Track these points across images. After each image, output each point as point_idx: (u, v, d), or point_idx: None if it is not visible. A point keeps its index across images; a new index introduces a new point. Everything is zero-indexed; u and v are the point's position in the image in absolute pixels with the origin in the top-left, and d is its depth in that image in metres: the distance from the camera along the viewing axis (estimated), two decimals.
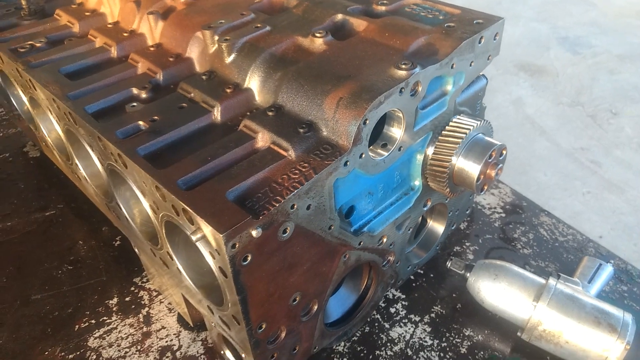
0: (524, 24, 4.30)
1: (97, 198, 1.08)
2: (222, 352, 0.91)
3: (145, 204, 0.79)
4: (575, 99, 3.42)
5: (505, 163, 0.94)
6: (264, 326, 0.74)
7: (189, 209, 0.64)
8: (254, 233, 0.63)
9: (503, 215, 1.28)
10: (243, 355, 0.82)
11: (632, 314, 0.91)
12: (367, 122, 0.72)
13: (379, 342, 0.99)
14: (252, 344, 0.75)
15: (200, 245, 0.67)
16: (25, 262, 1.13)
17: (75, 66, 1.02)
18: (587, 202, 2.62)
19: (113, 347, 0.95)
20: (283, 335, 0.80)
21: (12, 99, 1.29)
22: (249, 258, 0.65)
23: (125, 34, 1.09)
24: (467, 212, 1.20)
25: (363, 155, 0.75)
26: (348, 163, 0.73)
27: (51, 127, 1.14)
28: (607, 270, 1.04)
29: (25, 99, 1.15)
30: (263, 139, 0.76)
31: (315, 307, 0.84)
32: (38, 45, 1.12)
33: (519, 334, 0.96)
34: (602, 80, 3.59)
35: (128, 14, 1.12)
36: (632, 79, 3.57)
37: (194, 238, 0.64)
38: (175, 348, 0.95)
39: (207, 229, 0.62)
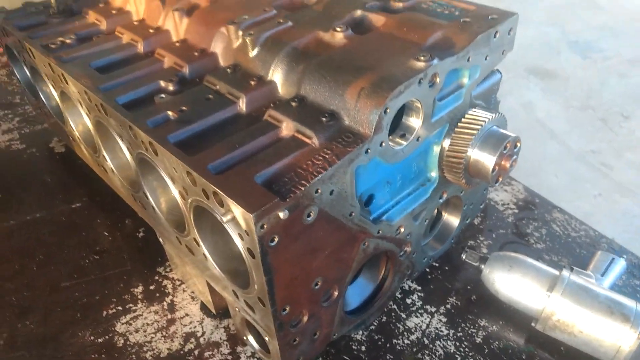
0: (534, 28, 4.30)
1: (123, 189, 1.12)
2: (245, 337, 0.94)
3: (175, 191, 0.82)
4: (586, 102, 3.42)
5: (516, 165, 0.96)
6: (287, 309, 0.77)
7: (219, 192, 0.67)
8: (282, 215, 0.66)
9: (516, 211, 1.30)
10: (267, 339, 0.85)
11: None
12: (388, 111, 0.75)
13: (396, 331, 1.01)
14: (277, 326, 0.78)
15: (229, 227, 0.70)
16: (54, 252, 1.17)
17: (104, 61, 1.06)
18: (598, 204, 2.62)
19: (139, 332, 0.99)
20: (305, 319, 0.83)
21: (41, 95, 1.34)
22: (276, 239, 0.68)
23: (151, 31, 1.13)
24: (481, 206, 1.22)
25: (383, 144, 0.78)
26: (369, 150, 0.76)
27: (79, 121, 1.18)
28: (620, 264, 1.05)
29: (55, 93, 1.19)
30: (287, 127, 0.79)
31: (336, 293, 0.86)
32: (68, 41, 1.16)
33: (533, 324, 0.98)
34: (612, 83, 3.59)
35: (153, 11, 1.17)
36: None
37: (224, 219, 0.67)
38: (199, 334, 0.98)
39: (237, 210, 0.65)
